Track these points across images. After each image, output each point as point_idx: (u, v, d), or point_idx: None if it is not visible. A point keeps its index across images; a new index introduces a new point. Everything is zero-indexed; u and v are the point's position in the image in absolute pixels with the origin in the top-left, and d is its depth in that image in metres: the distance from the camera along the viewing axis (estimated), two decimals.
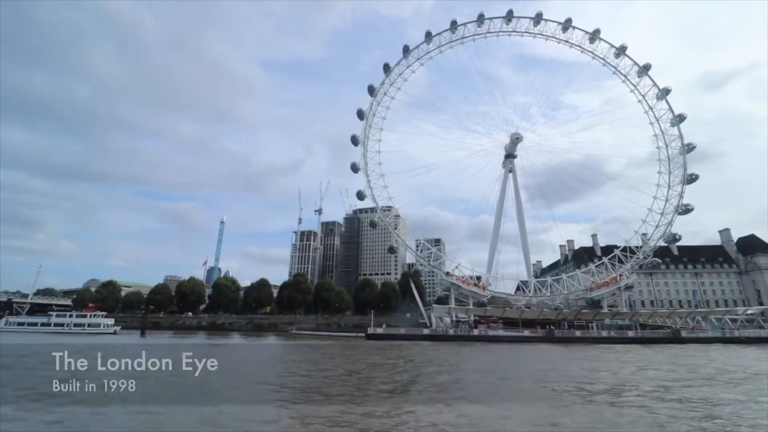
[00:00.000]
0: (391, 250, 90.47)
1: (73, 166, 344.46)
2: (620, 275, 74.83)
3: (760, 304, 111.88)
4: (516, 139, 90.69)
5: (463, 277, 76.28)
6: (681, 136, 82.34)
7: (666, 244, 78.82)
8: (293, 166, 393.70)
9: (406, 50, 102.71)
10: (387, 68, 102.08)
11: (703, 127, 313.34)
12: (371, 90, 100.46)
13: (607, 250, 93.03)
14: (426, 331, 66.52)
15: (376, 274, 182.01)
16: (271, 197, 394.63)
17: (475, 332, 65.93)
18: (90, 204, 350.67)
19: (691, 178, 79.40)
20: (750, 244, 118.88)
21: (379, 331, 66.86)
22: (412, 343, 55.71)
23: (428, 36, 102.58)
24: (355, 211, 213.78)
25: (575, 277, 77.89)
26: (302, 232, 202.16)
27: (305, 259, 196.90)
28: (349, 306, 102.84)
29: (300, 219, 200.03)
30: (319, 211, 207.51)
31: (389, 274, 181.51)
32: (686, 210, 76.36)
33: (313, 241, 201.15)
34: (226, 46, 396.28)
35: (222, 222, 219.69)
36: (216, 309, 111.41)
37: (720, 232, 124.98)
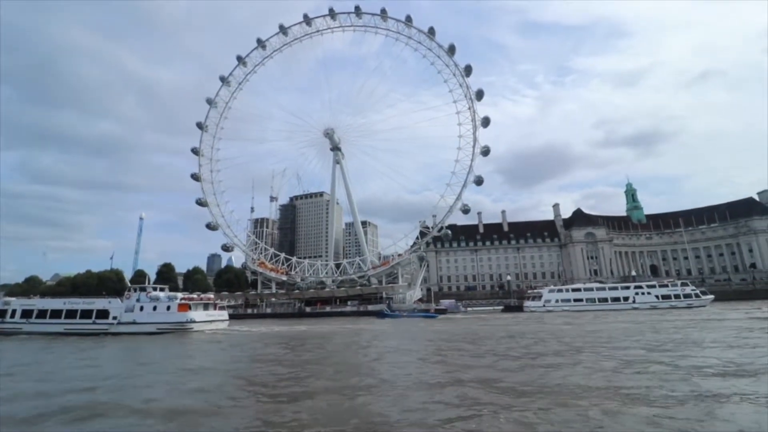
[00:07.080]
0: (210, 226, 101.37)
1: (102, 180, 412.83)
2: (392, 257, 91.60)
3: (572, 275, 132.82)
4: (327, 134, 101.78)
5: (263, 262, 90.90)
6: (476, 141, 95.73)
7: (444, 233, 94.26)
8: (289, 166, 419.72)
9: (260, 42, 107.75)
10: (240, 59, 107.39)
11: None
12: (222, 79, 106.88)
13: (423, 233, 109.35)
14: None
15: (310, 257, 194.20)
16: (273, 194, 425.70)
17: None
18: (121, 207, 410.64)
19: (479, 180, 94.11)
20: (573, 219, 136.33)
21: None
22: None
23: (282, 28, 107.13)
24: (291, 198, 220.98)
25: (365, 260, 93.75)
26: (256, 220, 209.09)
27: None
28: (210, 288, 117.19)
29: (252, 207, 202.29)
30: (275, 198, 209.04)
31: (320, 256, 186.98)
32: (465, 210, 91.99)
33: (267, 228, 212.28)
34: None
35: (141, 218, 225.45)
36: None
37: (553, 206, 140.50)
